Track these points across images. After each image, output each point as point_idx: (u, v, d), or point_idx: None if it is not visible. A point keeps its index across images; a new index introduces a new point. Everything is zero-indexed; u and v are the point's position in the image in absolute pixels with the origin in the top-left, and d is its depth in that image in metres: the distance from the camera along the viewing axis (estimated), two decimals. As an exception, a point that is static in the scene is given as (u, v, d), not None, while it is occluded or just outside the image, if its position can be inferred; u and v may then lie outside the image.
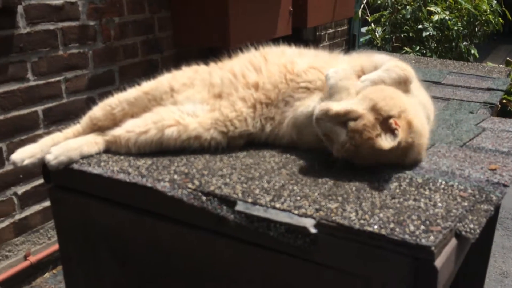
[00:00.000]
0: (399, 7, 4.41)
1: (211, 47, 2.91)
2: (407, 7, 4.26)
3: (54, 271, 2.63)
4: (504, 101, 4.14)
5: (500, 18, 4.40)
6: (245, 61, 1.31)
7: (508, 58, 4.70)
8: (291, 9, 3.41)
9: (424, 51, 4.18)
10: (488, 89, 1.97)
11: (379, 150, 0.99)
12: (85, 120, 1.31)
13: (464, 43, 4.30)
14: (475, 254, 1.58)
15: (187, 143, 1.21)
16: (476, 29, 4.33)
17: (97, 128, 1.29)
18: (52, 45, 2.37)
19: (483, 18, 4.23)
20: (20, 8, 2.20)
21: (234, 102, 1.23)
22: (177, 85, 1.29)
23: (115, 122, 1.27)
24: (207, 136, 1.20)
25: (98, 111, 1.29)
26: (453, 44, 4.16)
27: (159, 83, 1.31)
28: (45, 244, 2.57)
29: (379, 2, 4.48)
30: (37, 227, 2.52)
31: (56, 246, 2.57)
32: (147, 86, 1.31)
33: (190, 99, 1.26)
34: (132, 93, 1.30)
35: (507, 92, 4.18)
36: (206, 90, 1.27)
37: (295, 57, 1.29)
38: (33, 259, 2.49)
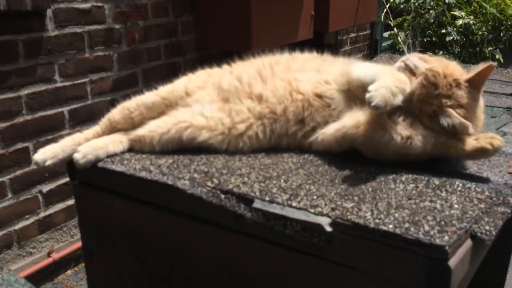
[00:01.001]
0: (422, 12, 4.37)
1: (233, 51, 2.94)
2: (431, 11, 4.23)
3: (76, 268, 2.69)
4: (530, 107, 4.06)
5: (526, 23, 4.33)
6: (254, 69, 1.31)
7: (534, 64, 4.61)
8: (313, 13, 3.43)
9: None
10: (512, 95, 1.95)
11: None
12: (104, 122, 1.34)
13: (489, 48, 4.24)
14: (494, 260, 1.56)
15: (204, 144, 1.24)
16: (501, 34, 4.26)
17: (116, 130, 1.33)
18: (78, 48, 2.44)
19: (509, 23, 4.17)
20: (49, 12, 2.28)
21: (240, 111, 1.24)
22: (191, 88, 1.32)
23: (134, 125, 1.31)
24: (222, 147, 1.24)
25: (117, 114, 1.33)
26: (477, 49, 4.11)
27: (175, 87, 1.33)
28: (67, 242, 2.64)
29: (402, 6, 4.46)
30: (60, 225, 2.59)
31: (78, 244, 2.64)
32: (164, 90, 1.33)
33: (199, 101, 1.28)
34: (150, 97, 1.32)
35: (533, 98, 4.10)
36: (216, 93, 1.29)
37: (298, 73, 1.27)
38: (56, 256, 2.55)
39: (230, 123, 1.23)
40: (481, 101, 1.13)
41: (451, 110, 1.05)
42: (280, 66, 1.31)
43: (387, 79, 1.05)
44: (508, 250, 1.59)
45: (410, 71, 1.12)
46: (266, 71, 1.30)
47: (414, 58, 1.15)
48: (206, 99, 1.29)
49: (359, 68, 1.17)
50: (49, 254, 2.55)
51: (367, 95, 1.01)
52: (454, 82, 1.08)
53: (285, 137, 1.24)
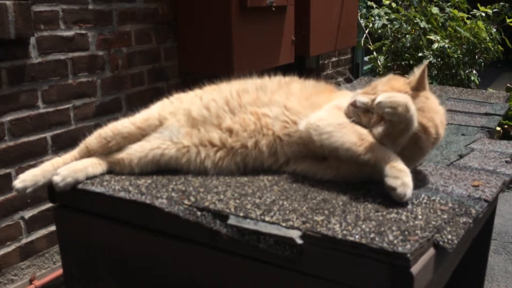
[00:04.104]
0: (399, 36, 4.51)
1: (215, 75, 3.00)
2: (407, 36, 4.37)
3: (58, 295, 2.66)
4: (506, 126, 4.18)
5: (499, 46, 4.48)
6: (222, 98, 1.33)
7: (508, 85, 4.76)
8: (294, 38, 3.52)
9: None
10: (486, 114, 2.01)
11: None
12: (82, 148, 1.36)
13: (467, 71, 4.37)
14: (470, 274, 1.60)
15: (180, 170, 1.28)
16: (476, 56, 4.40)
17: (93, 156, 1.35)
18: (62, 74, 2.48)
19: (483, 46, 4.31)
20: (32, 40, 2.31)
21: (211, 142, 1.27)
22: (164, 114, 1.35)
23: (111, 151, 1.34)
24: (197, 174, 1.27)
25: (94, 143, 1.35)
26: (454, 71, 4.23)
27: (150, 115, 1.37)
28: (50, 268, 2.61)
29: (380, 31, 4.59)
30: (42, 251, 2.56)
31: (60, 271, 2.60)
32: (140, 118, 1.36)
33: (170, 127, 1.32)
34: (125, 127, 1.35)
35: (509, 118, 4.21)
36: (186, 119, 1.32)
37: (267, 107, 1.29)
38: (38, 283, 2.51)
39: (200, 153, 1.27)
40: (432, 97, 1.21)
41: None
42: (248, 97, 1.33)
43: (400, 167, 1.06)
44: (483, 262, 1.63)
45: (363, 110, 1.15)
46: (234, 101, 1.32)
47: (359, 97, 1.17)
48: (175, 125, 1.32)
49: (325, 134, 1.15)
50: (31, 281, 2.51)
51: (397, 192, 1.02)
52: None
53: (260, 169, 1.27)
